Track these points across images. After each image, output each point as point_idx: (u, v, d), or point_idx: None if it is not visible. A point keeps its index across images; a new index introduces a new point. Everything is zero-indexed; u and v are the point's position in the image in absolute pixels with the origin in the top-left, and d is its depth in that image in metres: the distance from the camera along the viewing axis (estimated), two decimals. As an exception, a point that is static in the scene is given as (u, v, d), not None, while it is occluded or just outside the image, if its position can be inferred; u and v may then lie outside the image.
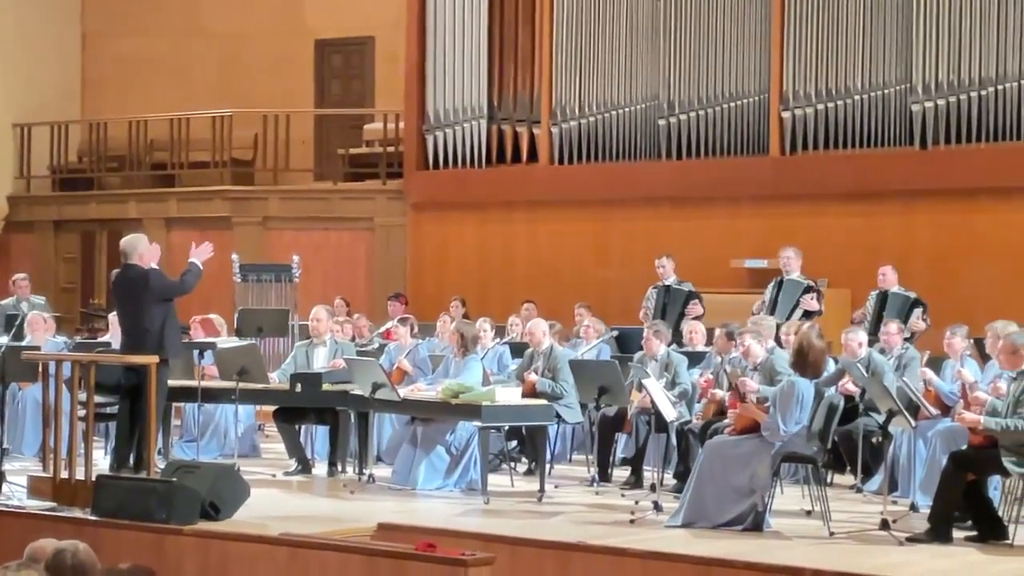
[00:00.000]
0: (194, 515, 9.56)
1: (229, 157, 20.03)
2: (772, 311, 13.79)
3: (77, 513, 10.00)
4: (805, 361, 9.87)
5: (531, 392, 11.87)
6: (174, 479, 9.81)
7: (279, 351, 15.62)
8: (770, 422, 9.73)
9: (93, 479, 10.24)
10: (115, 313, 14.41)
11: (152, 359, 10.87)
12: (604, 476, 11.92)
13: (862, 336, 11.80)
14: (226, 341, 13.83)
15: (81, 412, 10.91)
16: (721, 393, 10.99)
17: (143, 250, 11.42)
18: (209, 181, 20.03)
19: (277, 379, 12.77)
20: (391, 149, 19.17)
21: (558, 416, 11.85)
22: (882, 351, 11.85)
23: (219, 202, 19.67)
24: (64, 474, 10.45)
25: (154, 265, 11.41)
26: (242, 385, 12.27)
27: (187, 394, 12.58)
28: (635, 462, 11.97)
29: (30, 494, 10.55)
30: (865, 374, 10.86)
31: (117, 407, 11.62)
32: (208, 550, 9.32)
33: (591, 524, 9.96)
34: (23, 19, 20.96)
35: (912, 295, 13.76)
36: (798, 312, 13.77)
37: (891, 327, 12.14)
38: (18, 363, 12.29)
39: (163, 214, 19.87)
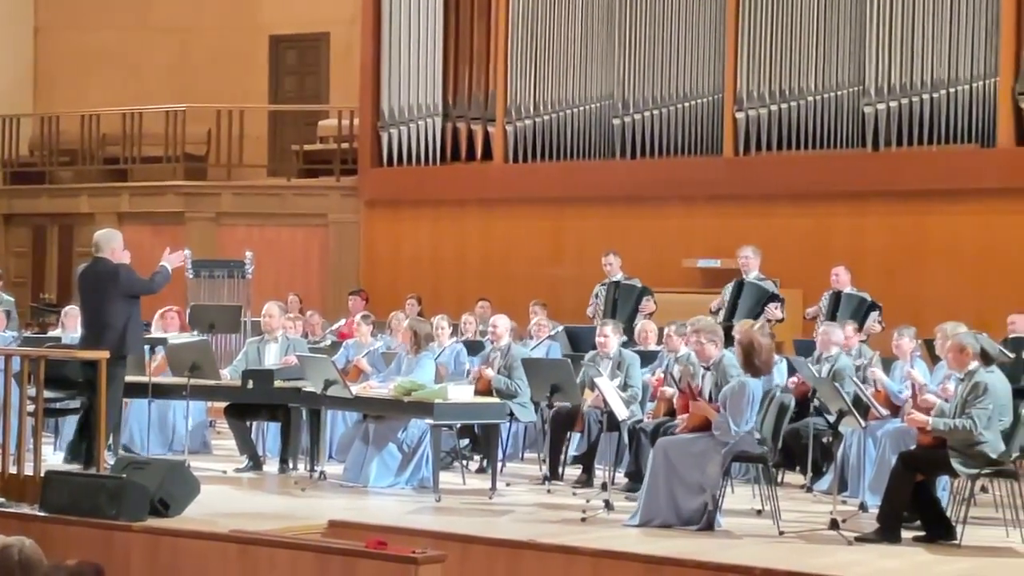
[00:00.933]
0: (143, 512, 9.51)
1: (182, 152, 19.94)
2: (732, 314, 13.77)
3: (25, 509, 9.92)
4: (753, 361, 9.90)
5: (486, 388, 11.87)
6: (124, 475, 9.76)
7: (231, 347, 15.58)
8: (721, 421, 9.76)
9: (42, 475, 10.18)
10: (71, 307, 14.42)
11: (103, 354, 10.80)
12: (555, 475, 11.92)
13: (838, 335, 11.81)
14: (177, 337, 13.77)
15: (31, 407, 10.84)
16: (671, 391, 11.00)
17: (116, 245, 11.44)
18: (162, 176, 19.93)
19: (228, 375, 12.72)
20: (345, 146, 19.15)
21: (511, 414, 11.86)
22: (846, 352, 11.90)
23: (172, 197, 19.59)
24: (12, 469, 10.38)
25: (125, 261, 11.42)
26: (193, 381, 12.22)
27: (138, 390, 12.50)
28: (586, 460, 11.99)
29: (-23, 489, 10.49)
30: (817, 374, 10.92)
31: (76, 403, 11.54)
32: (157, 547, 9.26)
33: (542, 522, 9.97)
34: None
35: (867, 297, 13.80)
36: (761, 319, 13.77)
37: (848, 329, 12.20)
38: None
39: (115, 209, 19.77)
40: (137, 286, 11.40)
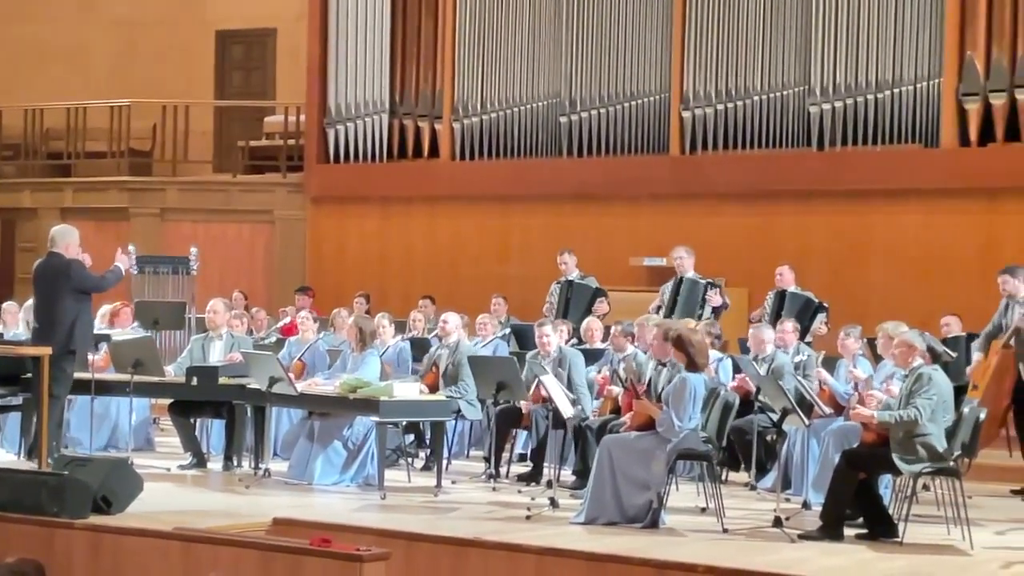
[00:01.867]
0: (85, 509, 9.45)
1: (127, 147, 19.84)
2: (671, 311, 13.82)
3: (-34, 506, 9.86)
4: (692, 357, 9.94)
5: (433, 386, 11.86)
6: (65, 472, 9.70)
7: (175, 344, 15.50)
8: (664, 418, 9.80)
9: (-17, 472, 10.11)
10: (9, 303, 14.33)
11: (45, 350, 10.76)
12: (498, 472, 11.91)
13: (768, 334, 11.91)
14: (121, 333, 13.70)
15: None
16: (617, 390, 11.03)
17: (71, 241, 11.50)
18: (106, 171, 19.82)
19: (173, 372, 12.66)
20: (292, 142, 19.10)
21: (457, 412, 11.86)
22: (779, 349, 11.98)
23: (116, 193, 19.48)
24: (-46, 467, 10.31)
25: (80, 258, 11.40)
26: (137, 378, 12.15)
27: (81, 386, 12.43)
28: (536, 456, 11.99)
29: (-83, 487, 10.39)
30: (760, 373, 10.98)
31: (19, 400, 11.45)
32: (100, 544, 9.22)
33: (487, 520, 9.98)
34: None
35: (813, 298, 13.86)
36: (707, 310, 13.82)
37: (787, 325, 12.24)
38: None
39: (58, 204, 19.65)
40: (88, 282, 11.40)
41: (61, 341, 11.01)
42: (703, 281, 14.01)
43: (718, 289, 13.92)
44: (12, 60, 21.29)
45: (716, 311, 13.77)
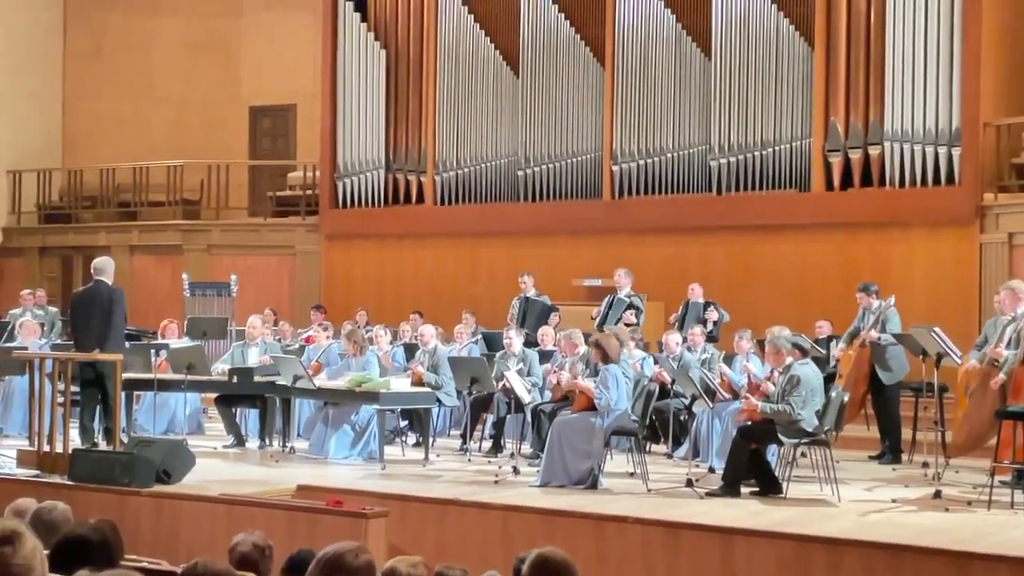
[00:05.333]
0: (150, 480, 9.42)
1: (180, 197, 19.75)
2: (603, 321, 13.86)
3: (56, 479, 9.80)
4: (605, 354, 9.99)
5: (419, 382, 11.85)
6: (134, 451, 9.65)
7: (219, 351, 15.41)
8: (599, 397, 9.83)
9: (69, 452, 10.05)
10: (27, 318, 14.19)
11: (117, 356, 10.70)
12: (471, 447, 11.88)
13: (677, 337, 11.98)
14: (177, 343, 13.63)
15: (60, 399, 10.70)
16: (566, 376, 10.94)
17: (112, 271, 11.34)
18: (164, 216, 19.72)
19: (218, 372, 12.62)
20: (309, 192, 19.05)
21: (439, 400, 11.85)
22: (689, 349, 12.01)
23: (172, 233, 19.39)
24: (46, 448, 10.24)
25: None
26: (190, 377, 12.12)
27: (146, 384, 12.37)
28: (495, 434, 12.00)
29: (18, 464, 10.33)
30: (675, 367, 11.00)
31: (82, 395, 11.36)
32: (161, 508, 9.19)
33: (464, 484, 9.96)
34: (14, 87, 20.53)
35: (706, 301, 13.94)
36: (621, 324, 13.83)
37: (696, 330, 12.32)
38: (9, 360, 12.06)
39: (127, 243, 19.54)
40: (120, 307, 11.15)
41: (114, 349, 10.91)
42: (627, 300, 14.04)
43: (635, 311, 13.84)
44: (91, 130, 21.20)
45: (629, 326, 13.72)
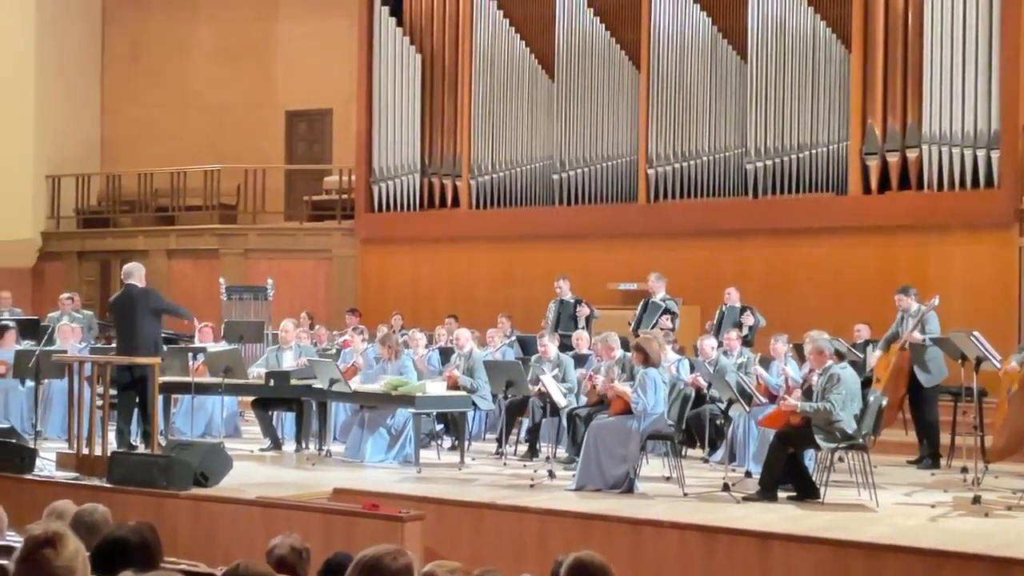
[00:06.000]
0: (188, 483, 9.46)
1: (217, 202, 19.86)
2: (639, 326, 13.82)
3: (95, 481, 9.86)
4: (647, 357, 9.97)
5: (454, 385, 11.85)
6: (172, 454, 9.70)
7: (256, 354, 15.47)
8: (637, 401, 9.81)
9: (108, 455, 10.10)
10: (64, 323, 14.30)
11: (155, 360, 10.74)
12: (507, 451, 11.88)
13: (712, 342, 11.94)
14: (215, 346, 13.70)
15: (98, 402, 10.76)
16: (601, 378, 10.92)
17: (142, 275, 11.40)
18: (201, 221, 19.84)
19: (254, 376, 12.66)
20: (345, 196, 19.10)
21: (475, 404, 11.85)
22: (725, 353, 11.96)
23: (209, 237, 19.50)
24: (85, 451, 10.31)
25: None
26: (227, 380, 12.16)
27: (183, 387, 12.43)
28: (530, 438, 11.98)
29: (58, 466, 10.40)
30: (712, 372, 10.95)
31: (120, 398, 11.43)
32: (199, 511, 9.23)
33: (500, 488, 9.94)
34: (54, 93, 20.72)
35: (743, 305, 13.90)
36: (657, 329, 13.79)
37: (731, 334, 12.27)
38: (49, 363, 12.15)
39: (164, 247, 19.68)
40: (164, 304, 11.37)
41: (145, 354, 10.96)
42: (663, 305, 13.99)
43: (671, 317, 13.81)
44: (129, 136, 21.36)
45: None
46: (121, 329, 11.23)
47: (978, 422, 10.25)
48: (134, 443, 11.33)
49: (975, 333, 9.95)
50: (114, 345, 12.72)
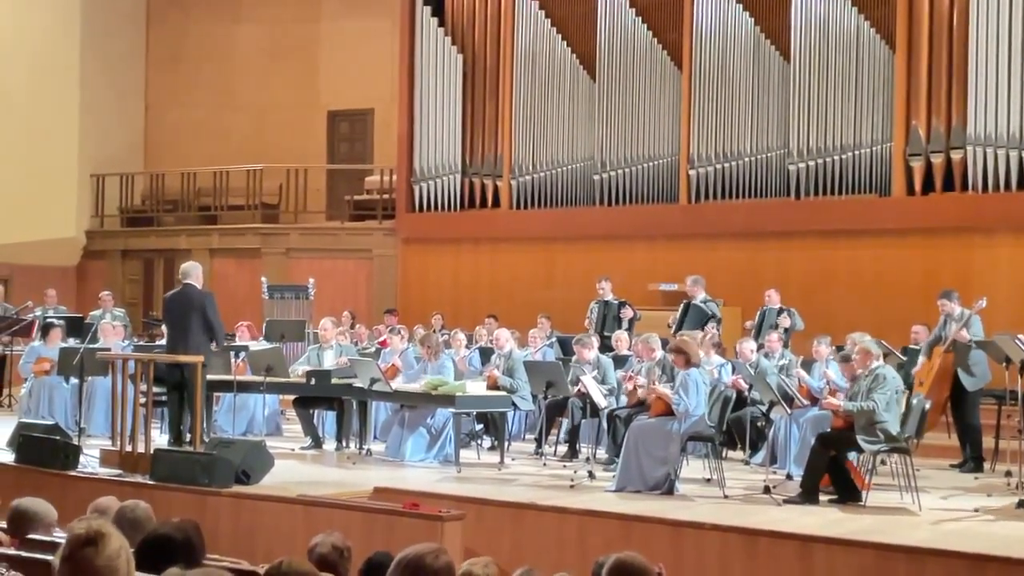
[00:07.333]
0: (230, 480, 9.51)
1: (259, 201, 19.98)
2: (679, 328, 13.76)
3: (138, 478, 9.93)
4: (687, 358, 9.93)
5: (494, 385, 11.85)
6: (214, 452, 9.75)
7: (297, 353, 15.55)
8: (678, 403, 9.78)
9: (151, 452, 10.17)
10: (106, 321, 14.35)
11: (198, 358, 10.79)
12: (541, 451, 11.87)
13: (752, 345, 11.88)
14: (256, 345, 13.77)
15: (141, 399, 10.84)
16: (642, 380, 10.91)
17: (200, 274, 11.36)
18: (244, 220, 19.96)
19: (295, 374, 12.70)
20: (386, 196, 19.17)
21: (514, 404, 11.84)
22: (766, 355, 11.90)
23: (251, 236, 19.61)
24: (128, 448, 10.38)
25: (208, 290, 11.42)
26: (268, 379, 12.22)
27: (225, 386, 12.51)
28: (570, 439, 11.96)
29: (102, 463, 10.48)
30: (752, 374, 10.90)
31: (170, 398, 11.49)
32: (241, 508, 9.27)
33: (540, 488, 9.93)
34: (98, 94, 20.90)
35: (782, 307, 13.82)
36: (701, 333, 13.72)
37: (772, 336, 12.21)
38: (93, 361, 12.24)
39: (207, 245, 19.79)
40: (215, 316, 11.05)
41: (194, 352, 10.98)
42: (708, 313, 13.92)
43: (715, 324, 13.72)
44: (172, 136, 21.53)
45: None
46: (174, 327, 11.20)
47: (1022, 426, 10.14)
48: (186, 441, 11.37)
49: (1020, 336, 9.85)
50: (158, 343, 12.82)
